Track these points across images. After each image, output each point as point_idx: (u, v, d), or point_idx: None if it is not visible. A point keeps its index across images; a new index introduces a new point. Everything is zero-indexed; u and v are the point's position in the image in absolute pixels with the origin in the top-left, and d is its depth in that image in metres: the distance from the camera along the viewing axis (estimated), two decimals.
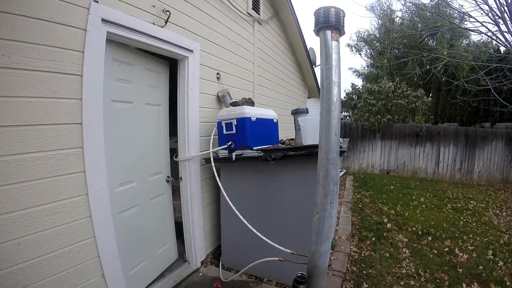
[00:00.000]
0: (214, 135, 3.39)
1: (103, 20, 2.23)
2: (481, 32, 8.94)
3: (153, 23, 2.73)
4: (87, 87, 2.14)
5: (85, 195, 2.16)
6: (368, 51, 21.06)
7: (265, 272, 3.19)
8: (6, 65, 1.71)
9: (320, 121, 1.67)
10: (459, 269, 3.44)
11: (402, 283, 3.20)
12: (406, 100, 10.81)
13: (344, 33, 1.72)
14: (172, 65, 3.34)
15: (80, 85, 2.10)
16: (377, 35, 20.10)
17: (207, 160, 3.30)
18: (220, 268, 3.38)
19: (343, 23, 1.68)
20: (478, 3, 7.70)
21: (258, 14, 4.97)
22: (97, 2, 2.18)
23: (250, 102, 3.47)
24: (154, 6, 2.73)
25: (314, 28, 1.69)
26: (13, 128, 1.76)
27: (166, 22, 2.86)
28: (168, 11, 2.85)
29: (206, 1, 3.52)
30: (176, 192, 3.49)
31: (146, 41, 2.68)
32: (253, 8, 4.75)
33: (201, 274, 3.34)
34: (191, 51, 3.23)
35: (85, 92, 2.13)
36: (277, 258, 2.34)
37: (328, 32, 1.63)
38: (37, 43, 1.85)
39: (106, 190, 2.33)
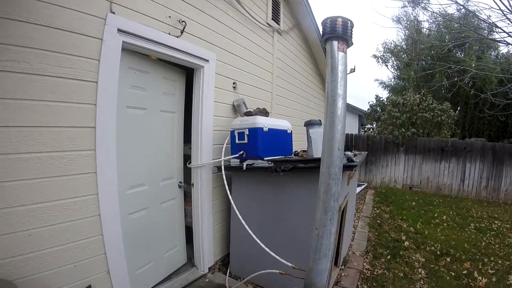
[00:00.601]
0: (227, 144, 3.45)
1: (119, 30, 2.35)
2: (508, 43, 8.59)
3: (169, 33, 2.83)
4: (101, 93, 2.26)
5: (95, 195, 2.28)
6: (394, 62, 20.69)
7: (270, 283, 3.17)
8: (26, 70, 1.86)
9: (323, 134, 1.66)
10: None
11: None
12: (432, 114, 10.49)
13: (352, 44, 1.71)
14: (188, 73, 3.43)
15: (95, 91, 2.23)
16: (404, 46, 19.71)
17: (219, 168, 3.34)
18: (227, 276, 3.39)
19: (351, 34, 1.67)
20: (505, 12, 7.42)
21: (278, 24, 5.01)
22: (114, 13, 2.31)
23: (264, 112, 3.49)
24: (170, 16, 2.83)
25: (321, 38, 1.70)
26: (31, 129, 1.91)
27: (181, 32, 2.95)
28: (183, 21, 2.95)
29: (223, 11, 3.61)
30: (188, 197, 3.56)
31: (161, 51, 2.78)
32: (272, 19, 4.80)
33: (207, 280, 3.37)
34: (207, 60, 3.31)
35: (99, 98, 2.25)
36: (278, 271, 2.34)
37: (335, 43, 1.64)
38: (56, 51, 1.99)
39: (116, 191, 2.43)
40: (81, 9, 2.10)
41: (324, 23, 1.67)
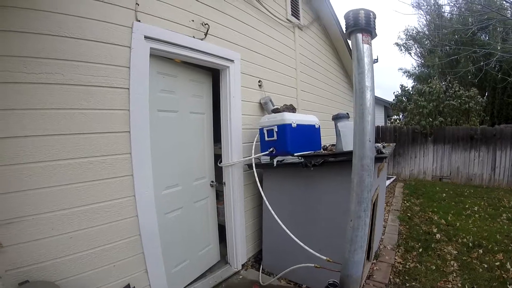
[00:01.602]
0: (256, 142, 3.47)
1: (146, 37, 2.44)
2: None
3: (193, 37, 2.89)
4: (133, 99, 2.34)
5: (132, 197, 2.36)
6: (418, 49, 20.04)
7: (304, 278, 3.19)
8: (60, 81, 1.97)
9: (354, 126, 1.66)
10: (508, 286, 3.20)
11: None
12: (459, 101, 10.17)
13: (376, 36, 1.71)
14: (214, 74, 3.48)
15: (128, 97, 2.32)
16: (426, 32, 19.08)
17: (250, 166, 3.37)
18: (260, 272, 3.42)
19: (374, 25, 1.67)
20: None
21: (298, 19, 5.00)
22: (139, 21, 2.39)
23: (291, 109, 3.50)
24: (193, 20, 2.90)
25: (345, 32, 1.70)
26: (68, 136, 2.02)
27: (205, 34, 3.01)
28: (206, 24, 3.01)
29: (244, 11, 3.64)
30: (220, 196, 3.63)
31: (187, 54, 2.85)
32: (292, 14, 4.79)
33: (241, 276, 3.42)
34: (232, 60, 3.36)
35: (132, 103, 2.33)
36: (313, 265, 2.35)
37: (359, 35, 1.65)
38: (87, 61, 2.10)
39: (152, 193, 2.52)
40: (108, 20, 2.19)
41: (346, 16, 1.67)
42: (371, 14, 1.65)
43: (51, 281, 1.92)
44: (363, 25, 1.63)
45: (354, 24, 1.64)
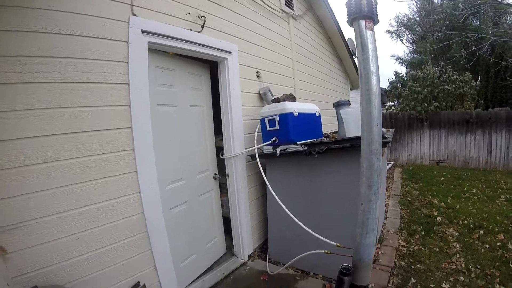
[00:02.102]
0: (257, 132, 3.47)
1: (143, 31, 2.41)
2: None
3: (190, 29, 2.86)
4: (133, 94, 2.32)
5: (137, 193, 2.35)
6: (409, 36, 20.01)
7: (311, 265, 3.21)
8: (58, 79, 1.94)
9: (361, 112, 1.67)
10: (511, 264, 3.25)
11: (451, 279, 3.08)
12: (453, 86, 10.21)
13: (378, 22, 1.72)
14: (212, 67, 3.46)
15: (128, 92, 2.30)
16: (417, 18, 19.07)
17: (252, 157, 3.38)
18: (267, 262, 3.44)
19: (376, 11, 1.68)
20: None
21: (292, 9, 4.97)
22: (136, 15, 2.36)
23: (291, 98, 3.50)
24: (189, 13, 2.87)
25: (347, 19, 1.70)
26: (68, 135, 1.99)
27: (202, 27, 2.98)
28: (203, 16, 2.97)
29: (239, 2, 3.61)
30: (223, 188, 3.64)
31: (185, 47, 2.83)
32: (286, 5, 4.76)
33: (248, 267, 3.43)
34: (230, 52, 3.34)
35: (132, 99, 2.31)
36: (323, 251, 2.37)
37: (362, 22, 1.65)
38: (85, 58, 2.06)
39: (157, 188, 2.51)
40: (104, 15, 2.16)
41: (349, 3, 1.67)
42: (373, 0, 1.65)
43: (60, 285, 1.92)
44: (365, 11, 1.63)
45: (357, 11, 1.64)
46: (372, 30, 1.67)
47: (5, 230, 1.73)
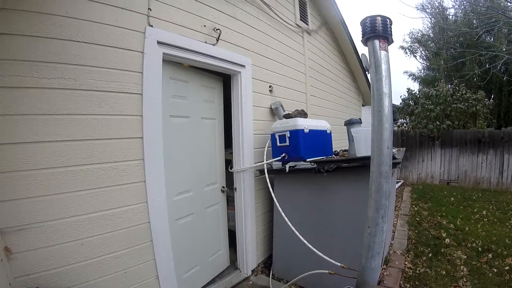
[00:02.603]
0: (268, 147, 3.46)
1: (158, 42, 2.43)
2: None
3: (205, 42, 2.89)
4: (146, 105, 2.34)
5: (144, 203, 2.35)
6: (423, 52, 19.98)
7: (314, 284, 3.15)
8: (72, 86, 1.96)
9: (372, 133, 1.66)
10: None
11: None
12: (466, 104, 10.10)
13: (392, 42, 1.71)
14: (225, 80, 3.48)
15: (141, 102, 2.31)
16: (431, 34, 19.02)
17: (261, 172, 3.37)
18: (270, 278, 3.40)
19: (391, 31, 1.67)
20: None
21: (307, 24, 4.99)
22: (152, 26, 2.39)
23: (303, 114, 3.50)
24: (205, 26, 2.90)
25: (361, 38, 1.70)
26: (80, 142, 2.00)
27: (217, 40, 3.01)
28: (218, 29, 3.00)
29: (255, 16, 3.64)
30: (230, 201, 3.62)
31: (199, 59, 2.85)
32: (301, 19, 4.78)
33: (251, 282, 3.40)
34: (243, 66, 3.36)
35: (145, 109, 2.33)
36: (327, 271, 2.34)
37: (376, 42, 1.64)
38: (100, 66, 2.09)
39: (164, 199, 2.51)
40: (120, 25, 2.18)
41: (363, 22, 1.67)
42: (388, 20, 1.65)
43: None
44: (380, 31, 1.62)
45: (371, 31, 1.64)
46: (386, 50, 1.67)
47: (12, 231, 1.74)
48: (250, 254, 3.52)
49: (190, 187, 3.00)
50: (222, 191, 3.48)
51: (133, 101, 2.27)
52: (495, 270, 3.63)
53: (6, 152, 1.72)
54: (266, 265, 3.79)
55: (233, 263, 3.64)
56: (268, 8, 3.88)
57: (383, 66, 1.63)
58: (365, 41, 1.71)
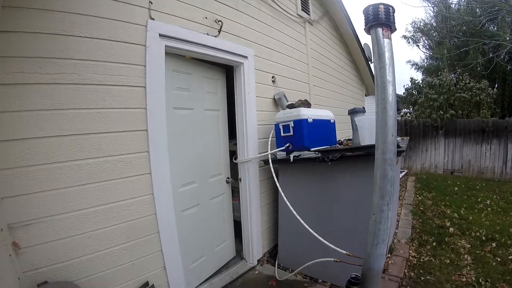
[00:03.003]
0: (272, 137, 3.48)
1: (160, 35, 2.44)
2: None
3: (207, 34, 2.90)
4: (150, 97, 2.35)
5: (150, 195, 2.38)
6: (426, 41, 19.72)
7: (320, 273, 3.19)
8: (76, 81, 1.97)
9: (376, 121, 1.66)
10: None
11: None
12: (470, 93, 10.04)
13: (395, 30, 1.69)
14: (228, 71, 3.49)
15: (144, 95, 2.33)
16: (434, 23, 18.81)
17: (266, 162, 3.39)
18: (276, 267, 3.42)
19: (394, 19, 1.66)
20: None
21: (308, 14, 4.96)
22: (153, 19, 2.39)
23: (306, 104, 3.50)
24: (206, 17, 2.90)
25: (364, 26, 1.69)
26: (85, 136, 2.02)
27: (219, 31, 3.01)
28: (220, 21, 3.01)
29: (256, 7, 3.63)
30: (235, 192, 3.65)
31: (201, 51, 2.86)
32: (302, 9, 4.76)
33: (257, 272, 3.43)
34: (245, 57, 3.36)
35: (148, 102, 2.35)
36: (333, 259, 2.36)
37: (379, 30, 1.63)
38: (103, 60, 2.10)
39: (169, 190, 2.54)
40: (122, 19, 2.19)
41: (366, 11, 1.65)
42: (391, 8, 1.63)
43: (70, 281, 1.94)
44: (383, 19, 1.61)
45: (374, 19, 1.62)
46: (390, 38, 1.65)
47: (20, 226, 1.76)
48: (256, 244, 3.55)
49: (195, 179, 3.02)
50: (227, 182, 3.50)
51: (137, 94, 2.28)
52: (499, 259, 3.64)
53: (12, 148, 1.74)
54: (272, 254, 3.82)
55: (239, 253, 3.68)
56: None
57: (387, 54, 1.62)
58: (368, 29, 1.69)
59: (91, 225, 2.04)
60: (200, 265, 3.08)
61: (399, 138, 3.39)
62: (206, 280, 3.16)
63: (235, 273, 3.34)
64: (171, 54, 2.65)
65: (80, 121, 1.99)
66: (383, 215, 1.66)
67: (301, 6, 4.73)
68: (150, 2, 2.36)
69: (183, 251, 2.71)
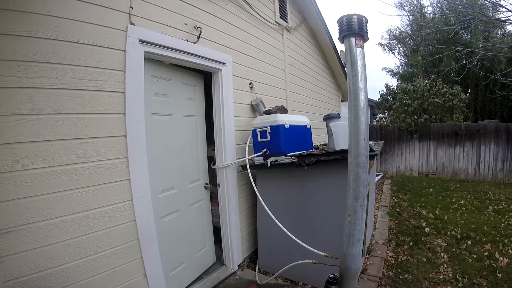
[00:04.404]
0: (249, 143, 3.50)
1: (140, 41, 2.44)
2: None
3: (187, 40, 2.91)
4: (129, 103, 2.35)
5: (130, 201, 2.36)
6: (401, 49, 20.40)
7: (300, 275, 3.23)
8: (56, 86, 1.95)
9: (349, 126, 1.73)
10: (498, 274, 3.31)
11: None
12: (443, 98, 10.41)
13: (368, 39, 1.77)
14: (206, 78, 3.51)
15: (123, 101, 2.32)
16: (409, 31, 19.45)
17: (244, 167, 3.42)
18: (257, 272, 3.43)
19: (366, 30, 1.73)
20: None
21: (286, 22, 5.05)
22: (134, 24, 2.39)
23: (283, 110, 3.55)
24: (186, 23, 2.92)
25: (338, 36, 1.76)
26: (64, 142, 2.00)
27: (198, 38, 3.04)
28: (199, 27, 3.03)
29: (235, 14, 3.68)
30: (214, 198, 3.64)
31: (181, 57, 2.87)
32: (280, 17, 4.83)
33: (237, 277, 3.44)
34: (224, 63, 3.39)
35: (127, 107, 2.34)
36: (311, 261, 2.40)
37: (352, 39, 1.70)
38: (82, 65, 2.09)
39: (149, 196, 2.52)
40: (102, 23, 2.18)
41: (340, 21, 1.72)
42: (364, 19, 1.70)
43: None
44: (356, 29, 1.67)
45: (348, 29, 1.68)
46: (362, 47, 1.72)
47: None
48: (236, 249, 3.56)
49: (174, 184, 3.02)
50: (206, 188, 3.51)
51: (116, 99, 2.28)
52: (475, 256, 3.78)
53: None
54: (252, 259, 3.84)
55: (219, 259, 3.68)
56: (248, 6, 3.91)
57: (359, 63, 1.68)
58: (341, 39, 1.76)
59: (70, 232, 2.01)
60: (181, 271, 3.07)
61: (373, 142, 3.48)
62: (187, 286, 3.15)
63: (216, 278, 3.34)
64: (150, 59, 2.66)
65: (59, 126, 1.96)
66: (357, 216, 1.72)
67: (279, 13, 4.81)
68: (131, 7, 2.36)
69: (163, 258, 2.70)
